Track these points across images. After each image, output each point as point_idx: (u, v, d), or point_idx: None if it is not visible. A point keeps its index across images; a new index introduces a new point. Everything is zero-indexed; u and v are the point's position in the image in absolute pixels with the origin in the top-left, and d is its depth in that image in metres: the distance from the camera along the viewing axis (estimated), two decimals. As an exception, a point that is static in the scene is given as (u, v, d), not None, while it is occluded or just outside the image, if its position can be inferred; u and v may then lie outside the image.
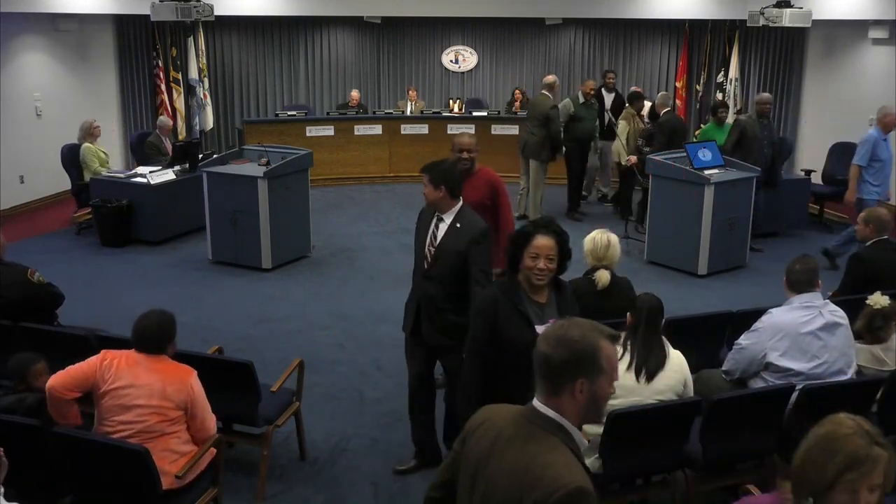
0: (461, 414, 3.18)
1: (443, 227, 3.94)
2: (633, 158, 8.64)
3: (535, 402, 1.96)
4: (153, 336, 3.37)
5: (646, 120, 9.18)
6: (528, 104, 9.92)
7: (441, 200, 3.92)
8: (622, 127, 9.28)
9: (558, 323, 2.00)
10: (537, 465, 1.85)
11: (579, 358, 1.90)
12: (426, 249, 3.98)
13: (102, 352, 3.42)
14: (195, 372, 3.42)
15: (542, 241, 3.08)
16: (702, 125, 10.74)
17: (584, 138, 9.36)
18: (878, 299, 4.08)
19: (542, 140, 8.96)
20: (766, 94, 8.53)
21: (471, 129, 11.13)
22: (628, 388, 3.45)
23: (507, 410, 2.03)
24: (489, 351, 3.17)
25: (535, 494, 1.80)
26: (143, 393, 3.28)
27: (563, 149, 9.18)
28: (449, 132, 11.05)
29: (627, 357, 3.51)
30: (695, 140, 8.43)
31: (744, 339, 3.94)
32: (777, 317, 3.88)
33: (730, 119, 11.58)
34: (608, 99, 9.99)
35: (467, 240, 3.85)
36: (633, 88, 10.70)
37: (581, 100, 9.23)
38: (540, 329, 2.87)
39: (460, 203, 3.97)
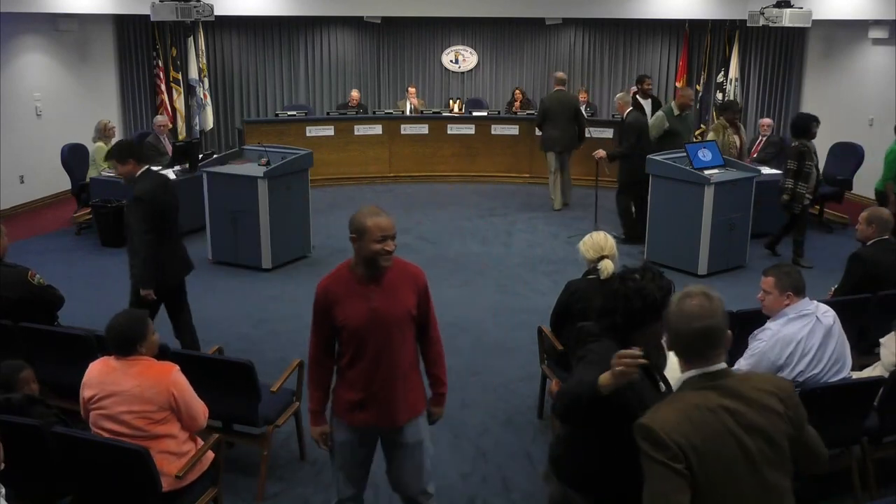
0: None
1: None
2: (602, 152, 8.52)
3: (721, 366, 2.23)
4: (122, 337, 3.35)
5: (766, 135, 8.28)
6: (553, 102, 9.60)
7: (131, 171, 4.76)
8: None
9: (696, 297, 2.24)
10: (767, 388, 2.23)
11: None
12: None
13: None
14: (176, 367, 3.39)
15: None
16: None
17: None
18: None
19: (571, 134, 9.51)
20: None
21: (472, 128, 11.20)
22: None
23: (704, 398, 2.18)
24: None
25: (786, 402, 2.22)
26: (123, 399, 3.28)
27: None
28: (449, 132, 11.06)
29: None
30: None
31: (745, 361, 3.76)
32: (778, 332, 3.74)
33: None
34: (646, 106, 9.53)
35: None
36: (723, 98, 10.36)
37: (676, 111, 8.23)
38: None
39: (140, 169, 4.82)
